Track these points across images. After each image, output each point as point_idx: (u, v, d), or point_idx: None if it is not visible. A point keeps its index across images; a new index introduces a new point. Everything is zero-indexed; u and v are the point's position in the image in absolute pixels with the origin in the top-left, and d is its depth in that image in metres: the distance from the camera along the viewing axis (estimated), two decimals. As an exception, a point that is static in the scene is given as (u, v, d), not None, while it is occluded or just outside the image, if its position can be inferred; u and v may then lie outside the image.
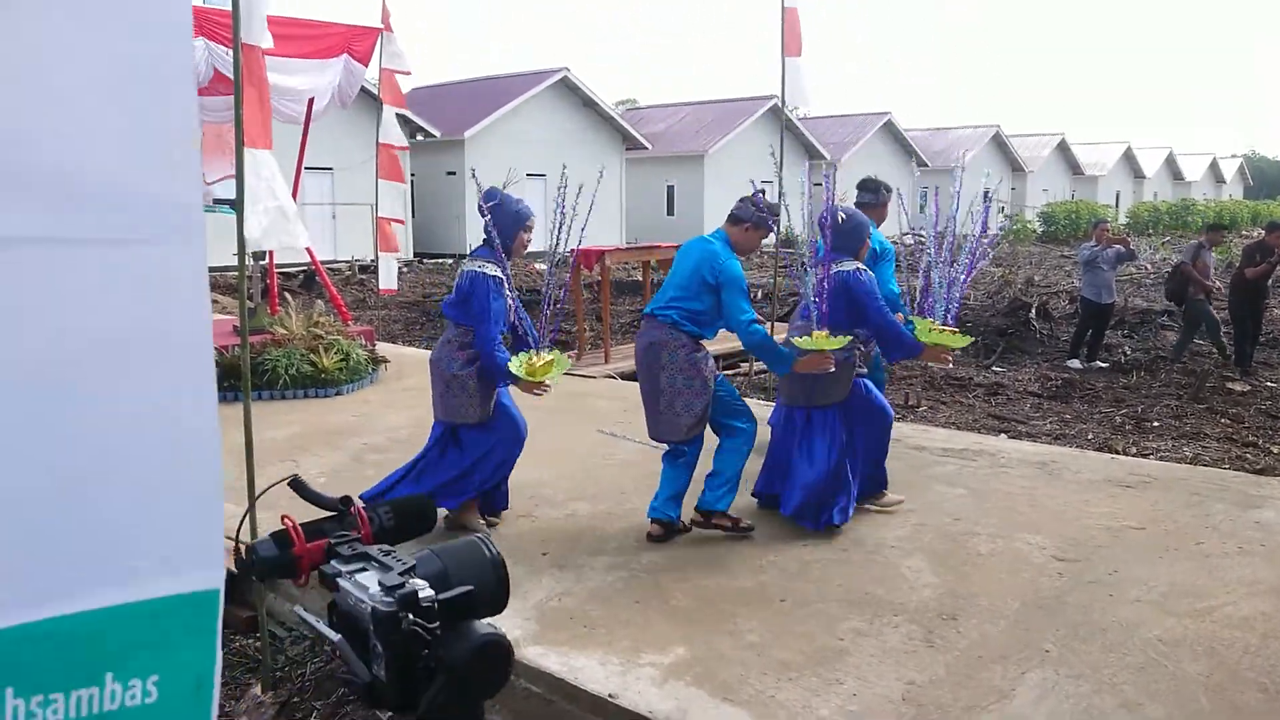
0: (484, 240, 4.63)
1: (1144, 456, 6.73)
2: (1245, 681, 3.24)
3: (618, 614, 3.81)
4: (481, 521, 4.79)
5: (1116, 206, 48.90)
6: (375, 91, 11.42)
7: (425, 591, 1.33)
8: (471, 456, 4.66)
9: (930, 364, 4.85)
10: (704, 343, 4.66)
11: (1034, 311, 13.05)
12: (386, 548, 1.46)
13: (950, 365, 5.02)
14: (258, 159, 4.69)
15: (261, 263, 10.50)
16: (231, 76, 3.93)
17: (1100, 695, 3.16)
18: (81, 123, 1.37)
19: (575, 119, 29.28)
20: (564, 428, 6.86)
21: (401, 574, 1.35)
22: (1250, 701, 3.12)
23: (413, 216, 24.54)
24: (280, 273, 13.11)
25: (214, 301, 15.78)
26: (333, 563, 1.45)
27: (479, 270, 4.53)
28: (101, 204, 1.41)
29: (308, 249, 8.72)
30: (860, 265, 4.80)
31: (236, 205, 4.17)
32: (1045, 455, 6.27)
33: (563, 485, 5.41)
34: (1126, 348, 11.58)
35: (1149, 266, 21.36)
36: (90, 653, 1.53)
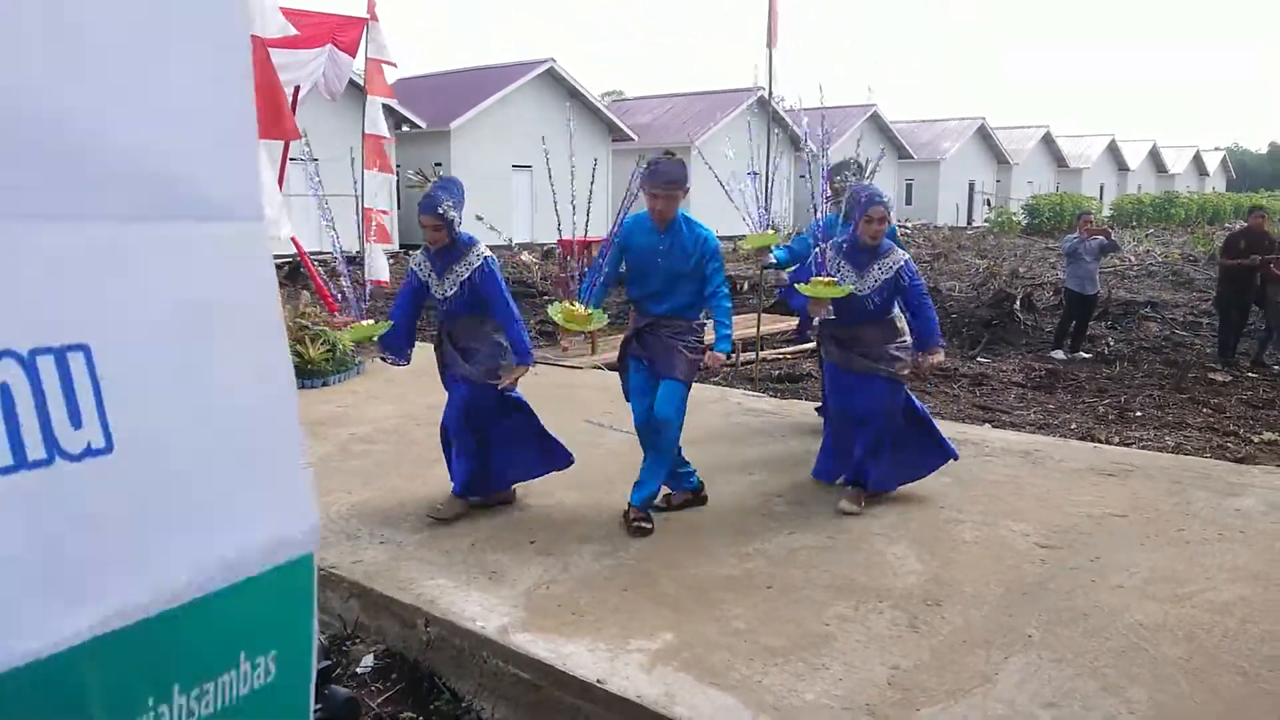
0: None
1: (1127, 446, 6.79)
2: (1224, 665, 3.29)
3: (606, 601, 3.83)
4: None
5: (1101, 199, 49.10)
6: (361, 83, 11.37)
7: None
8: None
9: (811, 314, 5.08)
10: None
11: (1018, 303, 13.13)
12: None
13: (828, 314, 5.04)
14: None
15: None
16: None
17: (1082, 678, 3.21)
18: (149, 110, 1.44)
19: (562, 110, 29.19)
20: (551, 417, 6.86)
21: None
22: (1229, 684, 3.17)
23: (398, 207, 24.44)
24: (266, 264, 13.04)
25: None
26: None
27: None
28: (168, 182, 1.48)
29: (293, 239, 8.70)
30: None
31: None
32: (1029, 444, 6.32)
33: (550, 474, 5.42)
34: (1110, 339, 11.66)
35: (1132, 259, 21.50)
36: (227, 632, 1.55)
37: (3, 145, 1.26)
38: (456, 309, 4.78)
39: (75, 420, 1.33)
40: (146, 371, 1.44)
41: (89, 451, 1.34)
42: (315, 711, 1.90)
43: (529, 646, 3.44)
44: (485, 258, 4.74)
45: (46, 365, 1.32)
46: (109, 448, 1.37)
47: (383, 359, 4.98)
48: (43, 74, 1.31)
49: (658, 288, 4.76)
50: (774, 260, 5.54)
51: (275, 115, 6.28)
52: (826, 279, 4.91)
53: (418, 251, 4.93)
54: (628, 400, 4.95)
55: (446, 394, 4.96)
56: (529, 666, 3.39)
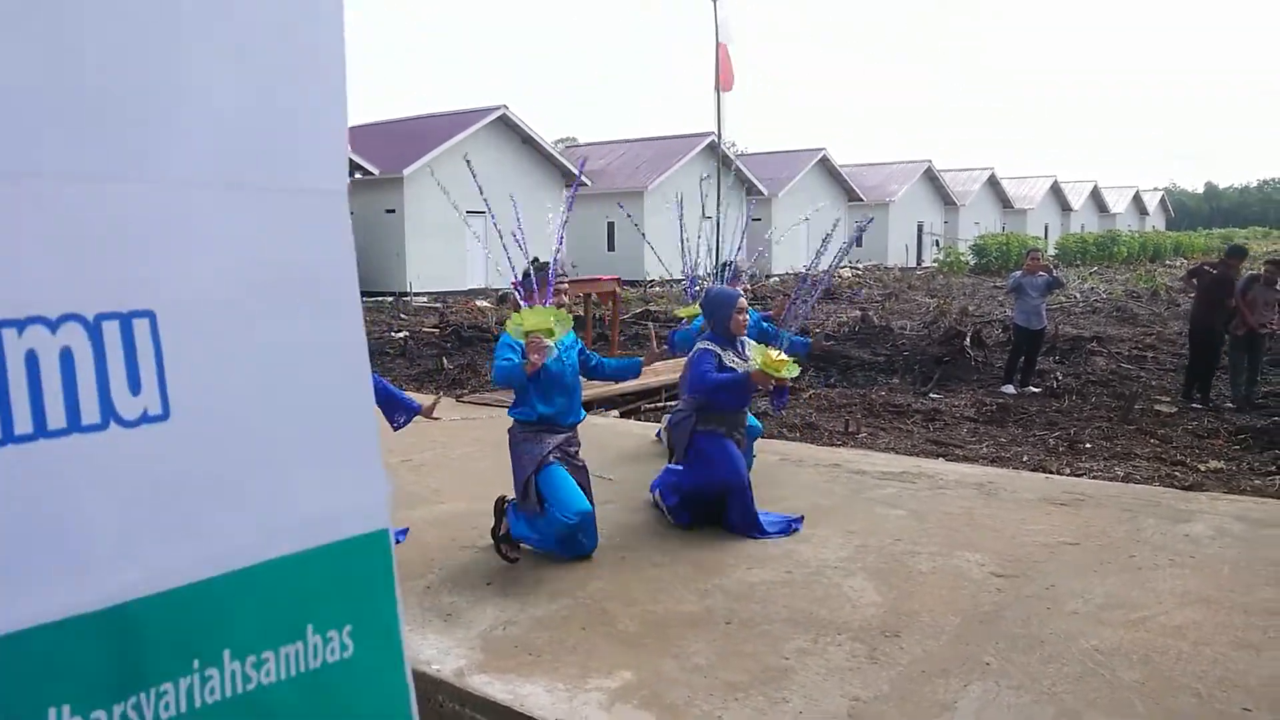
0: None
1: (1078, 476, 6.87)
2: (1179, 687, 3.32)
3: (564, 641, 3.79)
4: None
5: (1046, 238, 50.16)
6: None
7: None
8: None
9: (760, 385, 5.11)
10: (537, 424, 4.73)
11: (968, 340, 13.31)
12: None
13: (769, 388, 5.17)
14: None
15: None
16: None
17: (1040, 705, 3.21)
18: (248, 80, 1.46)
19: (515, 156, 29.35)
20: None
21: None
22: (1184, 706, 3.19)
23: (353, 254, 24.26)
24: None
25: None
26: None
27: None
28: (263, 153, 1.48)
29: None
30: (703, 345, 5.26)
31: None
32: (983, 476, 6.39)
33: (506, 516, 5.36)
34: (1058, 373, 11.84)
35: (1078, 296, 21.95)
36: (289, 602, 1.52)
37: (66, 108, 1.28)
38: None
39: (134, 386, 1.34)
40: (213, 340, 1.42)
41: (145, 418, 1.35)
42: None
43: (485, 688, 3.39)
44: None
45: (111, 330, 1.32)
46: (165, 415, 1.37)
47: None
48: (121, 43, 1.32)
49: (568, 395, 4.76)
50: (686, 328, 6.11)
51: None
52: (778, 356, 5.02)
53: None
54: (545, 512, 4.66)
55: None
56: (486, 709, 3.33)
